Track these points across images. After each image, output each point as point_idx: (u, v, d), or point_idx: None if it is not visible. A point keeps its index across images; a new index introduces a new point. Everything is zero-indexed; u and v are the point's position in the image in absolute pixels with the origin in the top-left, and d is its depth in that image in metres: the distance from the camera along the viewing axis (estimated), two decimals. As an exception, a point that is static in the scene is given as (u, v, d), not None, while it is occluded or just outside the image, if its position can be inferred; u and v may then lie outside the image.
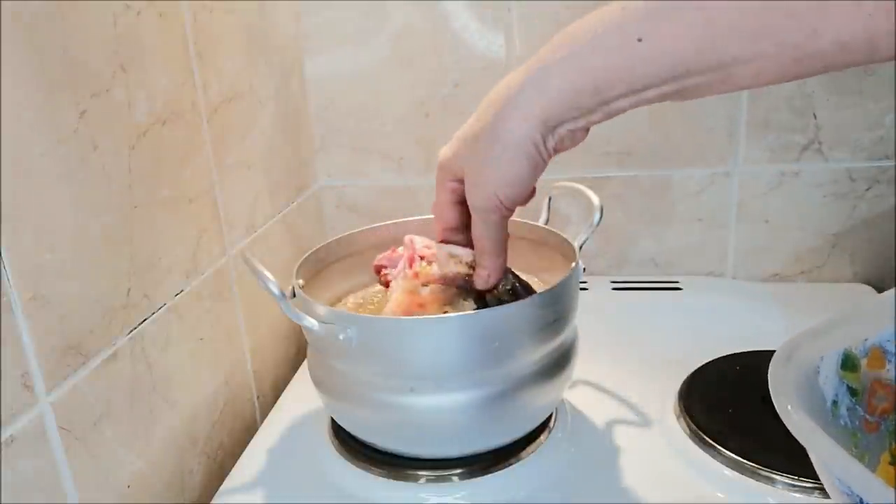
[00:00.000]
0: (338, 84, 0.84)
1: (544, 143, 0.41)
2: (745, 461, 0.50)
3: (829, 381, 0.43)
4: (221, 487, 0.54)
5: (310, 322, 0.49)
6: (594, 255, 0.86)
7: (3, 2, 0.38)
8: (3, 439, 0.38)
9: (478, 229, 0.45)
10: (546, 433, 0.56)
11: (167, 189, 0.53)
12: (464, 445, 0.52)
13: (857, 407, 0.44)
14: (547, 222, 0.63)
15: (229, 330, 0.63)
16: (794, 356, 0.41)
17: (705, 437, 0.53)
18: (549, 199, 0.64)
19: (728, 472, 0.51)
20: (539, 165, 0.42)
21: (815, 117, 0.78)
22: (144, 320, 0.51)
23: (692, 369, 0.62)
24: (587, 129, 0.42)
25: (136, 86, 0.49)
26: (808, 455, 0.38)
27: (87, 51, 0.45)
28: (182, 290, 0.55)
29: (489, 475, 0.52)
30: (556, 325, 0.51)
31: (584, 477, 0.52)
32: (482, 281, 0.48)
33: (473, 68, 0.81)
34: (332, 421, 0.58)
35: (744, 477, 0.50)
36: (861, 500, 0.33)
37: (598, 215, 0.56)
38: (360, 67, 0.83)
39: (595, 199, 0.57)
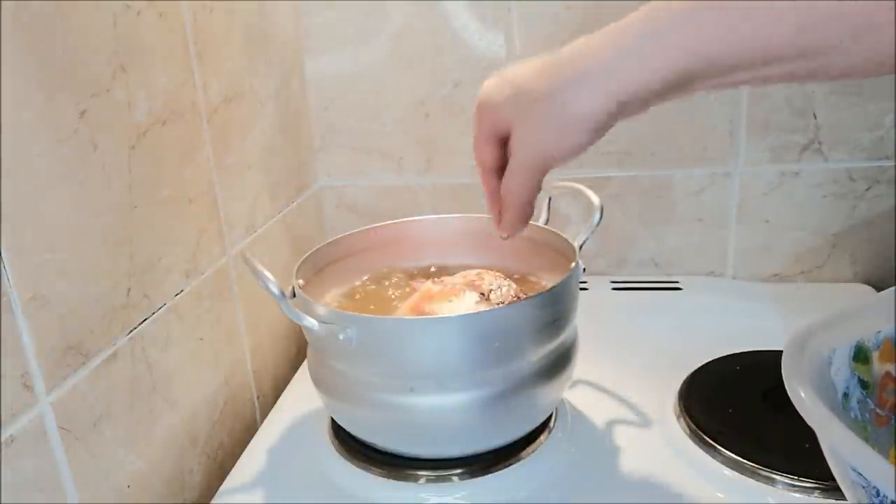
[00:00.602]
0: (338, 84, 0.84)
1: (612, 117, 0.40)
2: (745, 461, 0.50)
3: (841, 373, 0.43)
4: (221, 487, 0.54)
5: (310, 322, 0.49)
6: (594, 255, 0.86)
7: (3, 2, 0.38)
8: (3, 439, 0.38)
9: (515, 180, 0.44)
10: (546, 433, 0.56)
11: (167, 189, 0.53)
12: (464, 445, 0.52)
13: (868, 400, 0.44)
14: (547, 222, 0.63)
15: (229, 330, 0.63)
16: (807, 346, 0.41)
17: (705, 437, 0.53)
18: (549, 199, 0.64)
19: (728, 472, 0.51)
20: (600, 135, 0.40)
21: (815, 117, 0.78)
22: (144, 320, 0.51)
23: (692, 369, 0.62)
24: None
25: (136, 86, 0.49)
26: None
27: (87, 51, 0.45)
28: (182, 290, 0.55)
29: (489, 475, 0.52)
30: (556, 325, 0.51)
31: (584, 477, 0.52)
32: (507, 227, 0.47)
33: (473, 68, 0.81)
34: (332, 421, 0.58)
35: (744, 477, 0.50)
36: (876, 489, 0.33)
37: (598, 215, 0.56)
38: (360, 67, 0.83)
39: (595, 199, 0.57)
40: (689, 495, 0.50)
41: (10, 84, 0.38)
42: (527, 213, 0.46)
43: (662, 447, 0.55)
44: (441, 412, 0.50)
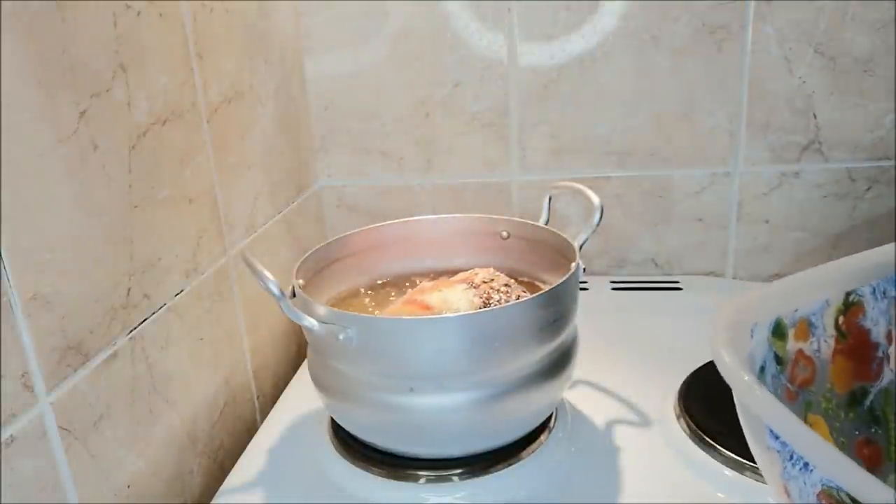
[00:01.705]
0: (338, 84, 0.84)
1: None
2: (745, 461, 0.50)
3: (760, 347, 0.44)
4: (221, 487, 0.54)
5: (310, 322, 0.49)
6: (594, 255, 0.86)
7: (3, 2, 0.38)
8: (3, 439, 0.38)
9: None
10: (546, 433, 0.56)
11: (167, 189, 0.53)
12: (464, 445, 0.52)
13: (781, 375, 0.45)
14: (547, 222, 0.63)
15: (229, 330, 0.63)
16: (734, 317, 0.42)
17: (705, 437, 0.53)
18: (549, 199, 0.64)
19: (728, 472, 0.51)
20: None
21: (815, 117, 0.78)
22: (144, 320, 0.51)
23: (692, 369, 0.62)
24: None
25: (136, 86, 0.49)
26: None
27: (87, 51, 0.45)
28: (182, 290, 0.55)
29: (489, 475, 0.52)
30: (556, 325, 0.51)
31: (584, 477, 0.52)
32: None
33: (473, 68, 0.81)
34: (332, 421, 0.58)
35: (744, 477, 0.50)
36: (791, 453, 0.33)
37: (598, 215, 0.56)
38: (360, 67, 0.83)
39: (595, 199, 0.57)
40: (689, 495, 0.50)
41: (10, 84, 0.38)
42: None
43: (662, 447, 0.55)
44: (441, 412, 0.50)
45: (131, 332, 0.49)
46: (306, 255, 0.59)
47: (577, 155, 0.83)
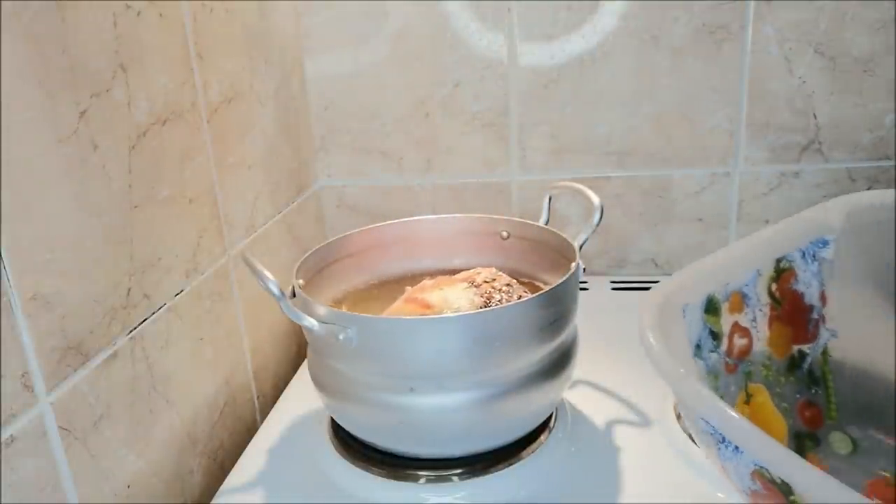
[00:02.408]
0: (338, 84, 0.84)
1: None
2: (744, 461, 0.50)
3: (694, 326, 0.45)
4: (221, 487, 0.54)
5: (310, 322, 0.49)
6: (594, 255, 0.86)
7: (3, 2, 0.38)
8: (3, 439, 0.38)
9: None
10: (546, 433, 0.56)
11: (167, 189, 0.53)
12: (464, 445, 0.52)
13: (718, 350, 0.46)
14: (547, 222, 0.63)
15: (229, 330, 0.63)
16: (664, 300, 0.42)
17: (705, 436, 0.53)
18: (549, 199, 0.64)
19: (728, 472, 0.51)
20: None
21: (815, 117, 0.78)
22: (144, 320, 0.51)
23: (692, 369, 0.62)
24: None
25: (136, 86, 0.49)
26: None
27: (87, 51, 0.45)
28: (182, 290, 0.55)
29: (489, 475, 0.52)
30: (556, 325, 0.51)
31: (584, 477, 0.52)
32: None
33: (473, 68, 0.81)
34: (332, 421, 0.58)
35: (744, 477, 0.50)
36: (722, 436, 0.34)
37: (598, 215, 0.56)
38: (360, 67, 0.83)
39: (595, 199, 0.57)
40: (689, 495, 0.50)
41: (10, 84, 0.38)
42: None
43: (662, 447, 0.55)
44: (441, 412, 0.50)
45: (131, 332, 0.49)
46: (306, 255, 0.59)
47: (577, 155, 0.83)
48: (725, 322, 0.47)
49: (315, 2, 0.81)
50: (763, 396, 0.48)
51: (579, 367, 0.56)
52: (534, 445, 0.54)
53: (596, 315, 0.65)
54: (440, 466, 0.52)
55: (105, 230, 0.46)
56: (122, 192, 0.48)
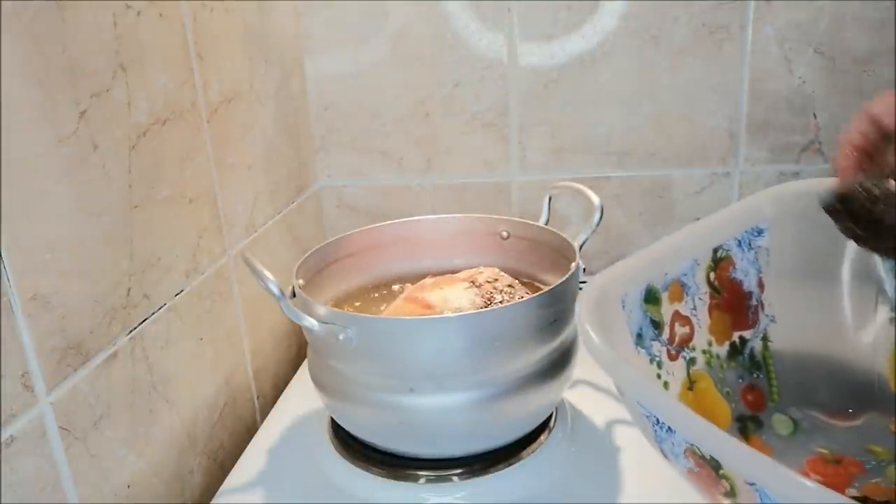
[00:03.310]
0: (338, 84, 0.84)
1: None
2: (744, 461, 0.50)
3: (634, 315, 0.46)
4: (221, 487, 0.54)
5: (310, 322, 0.49)
6: (594, 255, 0.86)
7: (3, 2, 0.38)
8: (3, 439, 0.38)
9: None
10: (546, 433, 0.56)
11: (167, 189, 0.53)
12: (464, 445, 0.52)
13: (659, 338, 0.47)
14: (547, 222, 0.63)
15: (229, 330, 0.63)
16: (601, 292, 0.43)
17: (705, 436, 0.53)
18: (549, 199, 0.64)
19: (728, 471, 0.51)
20: None
21: (815, 117, 0.78)
22: (144, 320, 0.51)
23: (692, 369, 0.62)
24: None
25: (136, 86, 0.49)
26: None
27: (87, 51, 0.45)
28: (182, 290, 0.55)
29: (489, 475, 0.52)
30: (556, 325, 0.51)
31: (584, 477, 0.52)
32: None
33: (473, 68, 0.81)
34: (332, 421, 0.58)
35: (743, 477, 0.50)
36: (657, 418, 0.36)
37: (598, 215, 0.56)
38: (360, 67, 0.83)
39: (595, 199, 0.57)
40: (689, 495, 0.50)
41: (9, 84, 0.38)
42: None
43: (662, 447, 0.55)
44: (441, 412, 0.50)
45: (131, 332, 0.49)
46: (306, 255, 0.59)
47: (577, 155, 0.83)
48: (666, 311, 0.49)
49: (315, 2, 0.81)
50: (706, 382, 0.50)
51: (579, 367, 0.56)
52: (534, 445, 0.54)
53: (596, 315, 0.65)
54: (440, 466, 0.52)
55: (105, 230, 0.46)
56: (122, 192, 0.48)
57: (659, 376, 0.47)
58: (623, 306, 0.45)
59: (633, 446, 0.55)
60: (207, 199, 0.60)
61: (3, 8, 0.38)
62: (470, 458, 0.53)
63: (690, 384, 0.49)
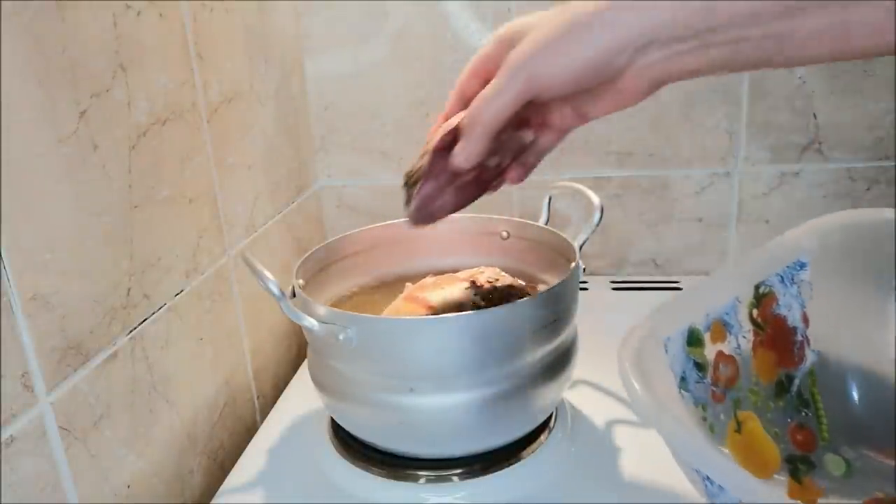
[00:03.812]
0: (338, 84, 0.84)
1: (637, 51, 0.34)
2: (744, 461, 0.50)
3: (677, 359, 0.45)
4: (221, 487, 0.54)
5: (310, 322, 0.49)
6: (594, 255, 0.86)
7: (3, 2, 0.38)
8: (3, 439, 0.38)
9: (495, 95, 0.37)
10: (546, 433, 0.56)
11: (167, 189, 0.53)
12: (464, 445, 0.52)
13: (704, 380, 0.46)
14: (547, 222, 0.63)
15: (229, 330, 0.63)
16: (642, 338, 0.43)
17: (705, 437, 0.53)
18: (549, 199, 0.64)
19: (728, 472, 0.51)
20: (604, 76, 0.35)
21: (815, 117, 0.78)
22: (144, 320, 0.51)
23: (692, 369, 0.62)
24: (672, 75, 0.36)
25: (136, 86, 0.49)
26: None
27: (87, 51, 0.45)
28: (182, 290, 0.55)
29: (489, 475, 0.52)
30: (556, 325, 0.51)
31: (584, 477, 0.52)
32: (463, 155, 0.40)
33: (473, 68, 0.81)
34: (332, 421, 0.58)
35: (743, 477, 0.50)
36: (707, 476, 0.35)
37: (598, 215, 0.56)
38: (360, 67, 0.83)
39: (595, 199, 0.57)
40: (689, 495, 0.50)
41: (10, 84, 0.38)
42: (487, 144, 0.39)
43: (662, 447, 0.54)
44: (441, 412, 0.50)
45: (131, 332, 0.49)
46: (306, 255, 0.59)
47: (577, 155, 0.83)
48: (709, 352, 0.47)
49: (315, 2, 0.81)
50: (753, 423, 0.48)
51: (579, 367, 0.56)
52: (534, 445, 0.54)
53: (596, 315, 0.65)
54: (440, 466, 0.52)
55: (105, 230, 0.46)
56: (122, 192, 0.48)
57: (705, 419, 0.45)
58: (666, 350, 0.44)
59: (633, 446, 0.55)
60: (207, 199, 0.60)
61: (3, 8, 0.38)
62: (470, 458, 0.53)
63: (738, 426, 0.47)
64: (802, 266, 0.51)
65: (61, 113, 0.42)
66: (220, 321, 0.61)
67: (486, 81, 0.39)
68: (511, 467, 0.52)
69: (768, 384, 0.49)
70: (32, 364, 0.40)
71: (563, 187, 0.62)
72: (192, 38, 0.57)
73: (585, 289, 0.82)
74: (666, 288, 0.82)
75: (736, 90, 0.78)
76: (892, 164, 0.78)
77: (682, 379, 0.44)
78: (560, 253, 0.59)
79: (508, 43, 0.38)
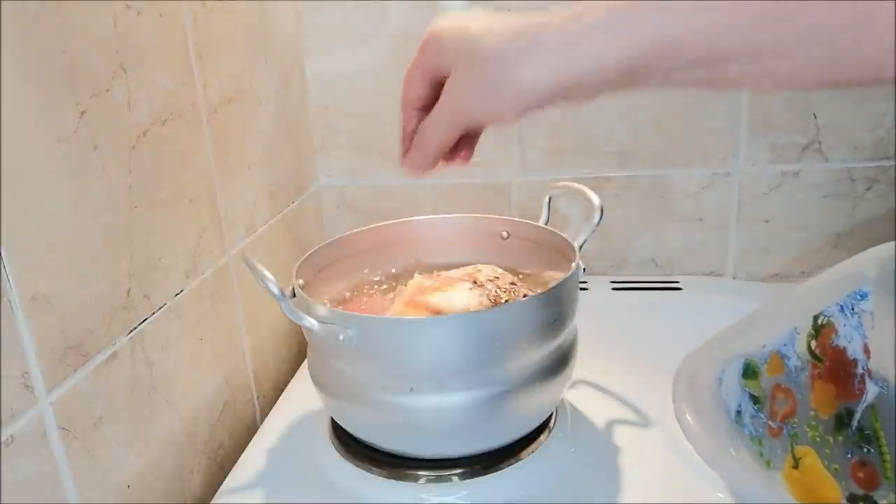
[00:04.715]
0: (338, 84, 0.84)
1: (553, 96, 0.37)
2: (745, 461, 0.50)
3: (732, 392, 0.43)
4: (221, 487, 0.54)
5: (310, 322, 0.49)
6: (594, 255, 0.86)
7: (3, 2, 0.38)
8: (3, 439, 0.38)
9: (434, 127, 0.43)
10: (546, 433, 0.56)
11: (167, 189, 0.53)
12: (464, 445, 0.52)
13: (760, 414, 0.44)
14: (547, 222, 0.63)
15: (229, 330, 0.63)
16: (696, 372, 0.41)
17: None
18: (549, 199, 0.64)
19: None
20: (531, 112, 0.39)
21: (815, 117, 0.78)
22: (144, 320, 0.51)
23: (692, 369, 0.62)
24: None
25: (136, 86, 0.49)
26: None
27: (87, 51, 0.45)
28: (182, 290, 0.55)
29: (489, 475, 0.52)
30: (556, 325, 0.51)
31: (584, 477, 0.52)
32: (409, 164, 0.45)
33: (473, 68, 0.81)
34: (332, 421, 0.58)
35: (744, 477, 0.50)
36: None
37: (598, 215, 0.56)
38: (360, 67, 0.83)
39: (595, 199, 0.57)
40: (689, 495, 0.50)
41: (10, 84, 0.38)
42: (431, 160, 0.45)
43: (662, 447, 0.55)
44: (441, 412, 0.50)
45: (131, 332, 0.49)
46: (306, 255, 0.59)
47: (577, 155, 0.83)
48: (766, 385, 0.46)
49: (315, 2, 0.81)
50: (812, 458, 0.46)
51: (579, 367, 0.56)
52: (534, 445, 0.54)
53: (596, 315, 0.65)
54: (440, 466, 0.52)
55: (105, 230, 0.46)
56: (121, 192, 0.48)
57: (761, 454, 0.44)
58: (721, 383, 0.43)
59: (633, 446, 0.55)
60: (207, 199, 0.60)
61: (3, 8, 0.38)
62: (470, 458, 0.53)
63: (795, 462, 0.46)
64: (864, 296, 0.48)
65: (61, 113, 0.42)
66: (220, 321, 0.61)
67: (430, 81, 0.45)
68: (511, 467, 0.52)
69: (827, 418, 0.47)
70: (32, 364, 0.40)
71: (563, 187, 0.62)
72: (192, 38, 0.57)
73: (585, 289, 0.82)
74: (666, 288, 0.82)
75: (736, 90, 0.78)
76: (892, 164, 0.78)
77: (738, 413, 0.43)
78: (560, 253, 0.59)
79: (438, 52, 0.44)
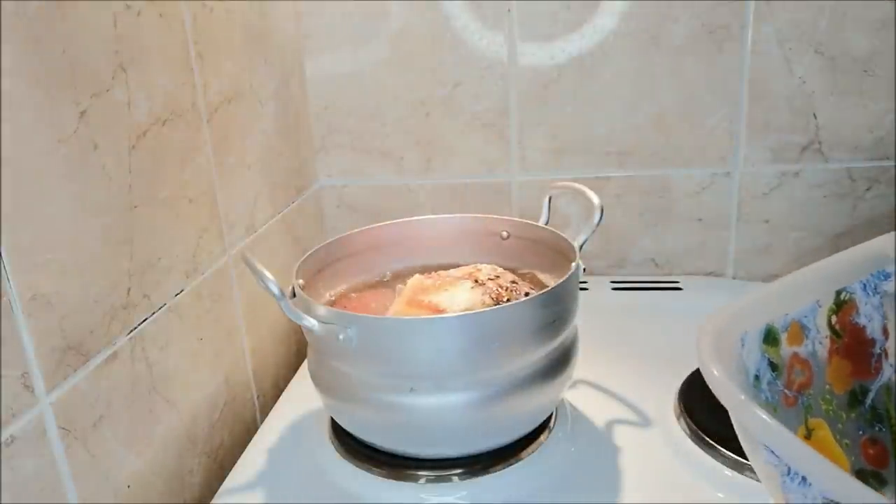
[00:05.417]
0: (338, 84, 0.84)
1: None
2: (745, 461, 0.50)
3: (752, 355, 0.43)
4: (221, 487, 0.54)
5: (310, 322, 0.49)
6: (594, 255, 0.86)
7: (3, 2, 0.38)
8: (3, 439, 0.38)
9: None
10: (546, 433, 0.56)
11: (167, 189, 0.53)
12: (464, 445, 0.52)
13: (777, 381, 0.44)
14: (547, 222, 0.63)
15: (229, 330, 0.63)
16: (720, 329, 0.41)
17: (705, 437, 0.53)
18: (549, 199, 0.64)
19: (728, 472, 0.51)
20: None
21: (815, 117, 0.78)
22: (144, 320, 0.51)
23: (692, 369, 0.61)
24: None
25: (136, 86, 0.49)
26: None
27: (87, 51, 0.45)
28: (182, 290, 0.55)
29: (489, 475, 0.52)
30: (556, 325, 0.51)
31: (584, 477, 0.52)
32: None
33: (473, 68, 0.81)
34: (332, 421, 0.58)
35: (744, 477, 0.50)
36: (788, 467, 0.33)
37: (598, 215, 0.56)
38: (360, 67, 0.83)
39: (595, 199, 0.57)
40: (689, 495, 0.50)
41: (10, 84, 0.38)
42: None
43: (662, 447, 0.55)
44: (441, 412, 0.50)
45: (131, 332, 0.49)
46: (306, 255, 0.59)
47: (577, 155, 0.83)
48: (785, 353, 0.45)
49: (315, 2, 0.81)
50: (824, 431, 0.46)
51: (579, 367, 0.56)
52: (534, 445, 0.54)
53: (596, 315, 0.65)
54: (440, 466, 0.52)
55: (105, 230, 0.46)
56: (122, 192, 0.48)
57: None
58: (742, 344, 0.43)
59: (633, 446, 0.55)
60: (207, 199, 0.60)
61: (3, 8, 0.38)
62: (470, 458, 0.53)
63: (808, 432, 0.46)
64: (887, 276, 0.48)
65: (61, 113, 0.42)
66: (220, 321, 0.61)
67: None
68: (511, 467, 0.52)
69: (842, 394, 0.47)
70: (32, 364, 0.40)
71: (563, 187, 0.62)
72: (192, 38, 0.57)
73: (585, 289, 0.82)
74: (666, 288, 0.82)
75: (736, 90, 0.78)
76: (892, 164, 0.78)
77: (756, 377, 0.43)
78: (560, 253, 0.59)
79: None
